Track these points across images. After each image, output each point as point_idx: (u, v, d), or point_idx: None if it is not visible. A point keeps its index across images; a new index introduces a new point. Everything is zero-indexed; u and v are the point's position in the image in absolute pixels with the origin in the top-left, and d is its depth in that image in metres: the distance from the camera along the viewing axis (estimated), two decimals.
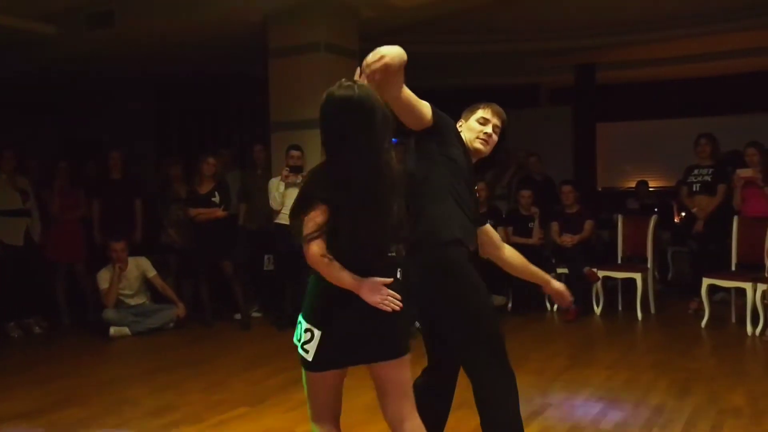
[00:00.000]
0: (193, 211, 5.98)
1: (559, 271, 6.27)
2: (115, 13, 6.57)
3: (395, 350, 2.04)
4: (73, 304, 6.40)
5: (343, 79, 1.99)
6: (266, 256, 6.21)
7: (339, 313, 1.98)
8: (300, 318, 2.04)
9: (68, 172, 6.42)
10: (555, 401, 3.82)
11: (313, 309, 2.01)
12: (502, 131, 2.60)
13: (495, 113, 2.57)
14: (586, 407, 3.73)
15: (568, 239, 6.31)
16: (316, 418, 2.11)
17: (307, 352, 2.00)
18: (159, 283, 5.96)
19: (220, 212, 6.00)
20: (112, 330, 5.65)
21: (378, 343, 2.02)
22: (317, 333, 1.98)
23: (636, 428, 3.36)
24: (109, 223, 6.25)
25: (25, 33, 6.73)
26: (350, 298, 1.96)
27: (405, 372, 2.08)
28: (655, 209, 7.75)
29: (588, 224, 6.42)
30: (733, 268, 5.61)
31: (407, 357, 2.07)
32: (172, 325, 5.94)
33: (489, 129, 2.55)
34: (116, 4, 6.46)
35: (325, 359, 2.00)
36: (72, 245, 6.29)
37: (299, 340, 2.03)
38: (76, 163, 7.14)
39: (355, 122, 1.92)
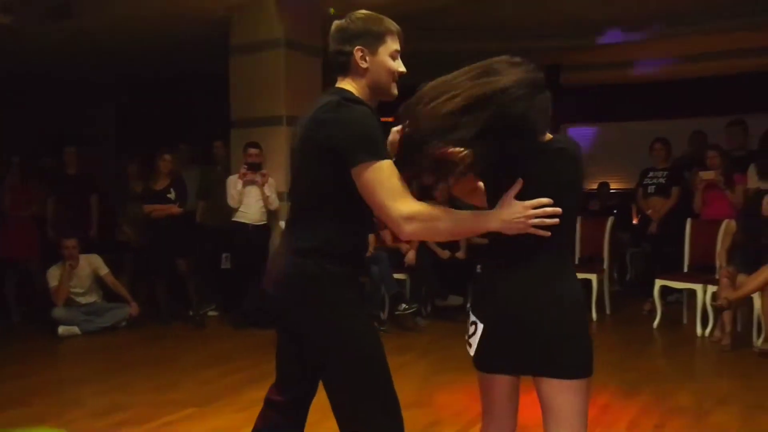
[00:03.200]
0: (148, 208, 5.89)
1: None
2: (73, 6, 6.43)
3: (557, 368, 1.74)
4: (27, 302, 6.25)
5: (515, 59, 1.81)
6: (224, 254, 6.14)
7: (494, 306, 1.78)
8: (472, 317, 1.85)
9: (21, 168, 6.27)
10: None
11: (475, 297, 1.91)
12: None
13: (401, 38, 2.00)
14: (533, 408, 3.74)
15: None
16: (483, 421, 1.93)
17: (470, 346, 1.82)
18: (111, 281, 5.85)
19: (175, 209, 5.92)
20: (61, 329, 5.53)
21: (540, 354, 1.74)
22: (480, 327, 1.79)
23: None
24: (63, 220, 6.12)
25: None
26: (497, 286, 1.78)
27: (568, 398, 1.77)
28: (614, 210, 7.84)
29: None
30: (686, 270, 5.70)
31: (577, 382, 1.76)
32: (124, 324, 5.83)
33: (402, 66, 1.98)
34: None
35: (488, 358, 1.80)
36: (25, 242, 6.15)
37: (469, 336, 1.83)
38: (32, 158, 6.98)
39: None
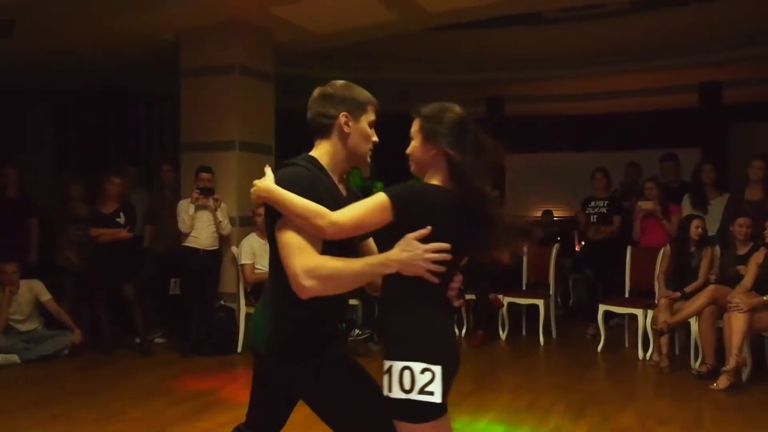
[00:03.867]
0: (96, 231, 5.72)
1: (467, 297, 6.44)
2: (16, 23, 6.26)
3: None
4: None
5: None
6: (172, 280, 6.02)
7: (448, 342, 1.87)
8: (403, 363, 1.76)
9: None
10: (458, 425, 3.89)
11: (426, 343, 1.79)
12: None
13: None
14: (487, 430, 3.82)
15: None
16: None
17: (432, 394, 1.74)
18: (53, 307, 5.64)
19: (125, 233, 5.78)
20: (0, 357, 5.28)
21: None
22: (437, 369, 1.75)
23: None
24: (1, 243, 5.87)
25: None
26: (448, 323, 1.91)
27: None
28: (558, 238, 8.10)
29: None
30: (627, 295, 5.94)
31: None
32: (66, 352, 5.62)
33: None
34: (18, 13, 6.15)
35: (445, 398, 1.78)
36: None
37: (410, 389, 1.74)
38: None
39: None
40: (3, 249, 5.78)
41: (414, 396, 1.73)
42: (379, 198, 1.81)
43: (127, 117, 8.92)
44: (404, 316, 1.82)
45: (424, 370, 1.74)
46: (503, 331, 6.42)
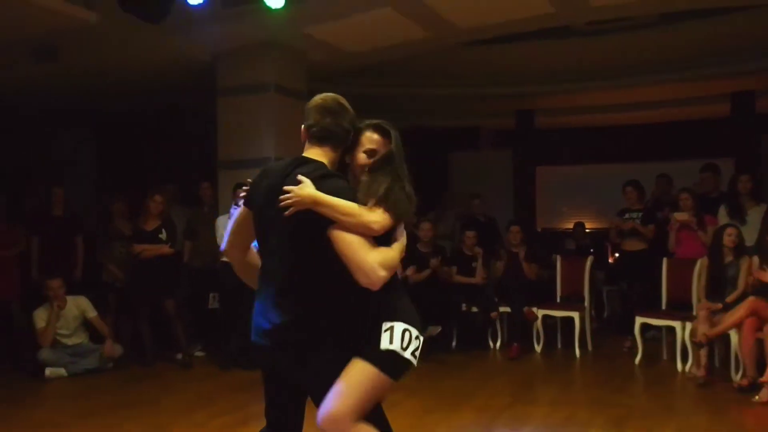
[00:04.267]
0: (139, 248, 5.88)
1: (502, 309, 6.46)
2: (60, 49, 6.51)
3: None
4: (8, 343, 6.14)
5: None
6: (211, 294, 6.15)
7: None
8: (405, 326, 2.07)
9: (5, 207, 6.23)
10: None
11: (412, 313, 2.13)
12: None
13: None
14: None
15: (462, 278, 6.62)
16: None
17: (416, 358, 2.08)
18: (99, 323, 5.80)
19: (167, 249, 5.93)
20: (48, 371, 5.45)
21: None
22: (420, 337, 2.10)
23: None
24: (48, 261, 6.08)
25: None
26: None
27: None
28: (591, 250, 8.07)
29: (532, 267, 6.63)
30: (664, 308, 5.90)
31: None
32: (110, 365, 5.78)
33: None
34: (62, 40, 6.39)
35: None
36: (7, 283, 6.07)
37: (405, 348, 2.05)
38: (14, 196, 6.93)
39: None
40: (49, 266, 5.98)
41: (406, 354, 2.05)
42: None
43: (166, 136, 9.15)
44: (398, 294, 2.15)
45: (417, 337, 2.09)
46: (538, 344, 6.42)
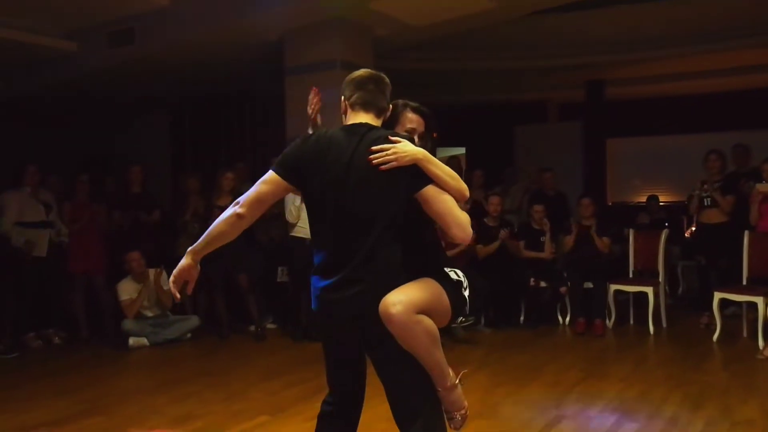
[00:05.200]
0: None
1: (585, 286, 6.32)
2: (136, 31, 6.74)
3: None
4: (92, 316, 6.50)
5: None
6: (280, 268, 6.30)
7: None
8: (460, 274, 2.26)
9: (88, 186, 6.54)
10: (569, 413, 3.88)
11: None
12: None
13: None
14: (600, 419, 3.79)
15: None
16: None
17: (467, 302, 2.26)
18: (166, 296, 5.99)
19: None
20: (131, 341, 5.75)
21: None
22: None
23: None
24: (128, 235, 6.37)
25: (47, 50, 6.91)
26: None
27: None
28: (666, 224, 7.80)
29: (605, 240, 6.45)
30: (744, 283, 5.66)
31: None
32: (189, 336, 6.04)
33: None
34: (136, 22, 6.62)
35: None
36: (91, 258, 6.39)
37: (465, 286, 2.25)
38: (96, 177, 7.26)
39: None
40: (128, 241, 6.27)
41: (465, 293, 2.23)
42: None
43: (236, 116, 9.37)
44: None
45: (466, 288, 2.26)
46: (609, 320, 6.29)
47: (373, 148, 2.03)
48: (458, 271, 2.26)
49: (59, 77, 7.56)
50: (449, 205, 2.04)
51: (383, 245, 2.06)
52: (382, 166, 2.00)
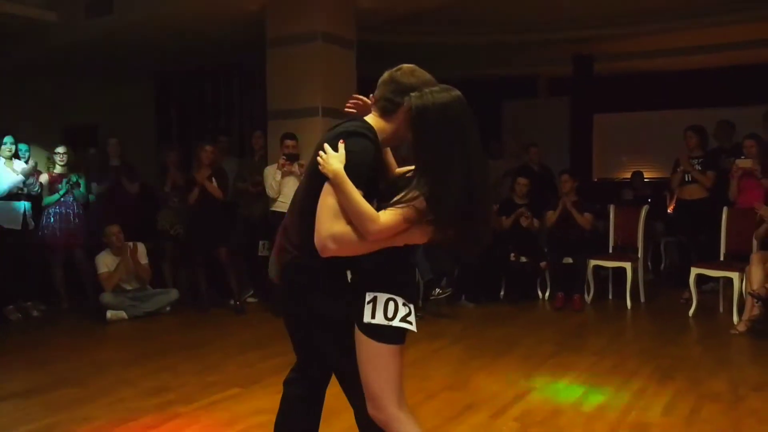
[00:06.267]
0: (191, 196, 6.03)
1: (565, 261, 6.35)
2: (114, 2, 6.64)
3: None
4: (72, 289, 6.49)
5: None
6: (261, 242, 6.29)
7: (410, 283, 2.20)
8: (387, 295, 2.02)
9: (66, 158, 6.47)
10: (539, 385, 3.92)
11: (403, 283, 2.09)
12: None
13: None
14: (568, 391, 3.82)
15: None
16: (398, 402, 2.06)
17: (411, 324, 2.04)
18: (144, 270, 6.04)
19: (218, 191, 6.04)
20: (109, 314, 5.75)
21: None
22: (410, 306, 2.06)
23: (616, 411, 3.45)
24: (107, 208, 6.34)
25: (25, 20, 6.81)
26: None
27: None
28: (649, 200, 7.81)
29: (586, 216, 6.45)
30: (722, 258, 5.68)
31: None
32: (168, 309, 6.04)
33: None
34: None
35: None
36: (71, 230, 6.36)
37: (392, 317, 2.01)
38: (79, 149, 7.21)
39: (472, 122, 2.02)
40: (108, 214, 6.24)
41: (395, 323, 2.01)
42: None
43: (220, 90, 9.28)
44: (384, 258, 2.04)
45: (405, 304, 2.04)
46: (588, 295, 6.32)
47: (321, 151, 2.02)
48: (384, 295, 2.03)
49: (39, 47, 7.46)
50: (322, 208, 1.96)
51: (300, 228, 2.10)
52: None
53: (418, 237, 2.00)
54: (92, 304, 6.09)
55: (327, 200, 1.97)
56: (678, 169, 6.26)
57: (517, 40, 8.69)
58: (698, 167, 6.07)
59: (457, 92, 1.99)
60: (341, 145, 2.00)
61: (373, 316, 2.01)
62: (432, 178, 1.92)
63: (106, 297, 5.77)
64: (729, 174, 5.89)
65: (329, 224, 1.95)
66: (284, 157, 5.83)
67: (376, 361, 2.03)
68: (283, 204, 5.93)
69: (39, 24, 6.91)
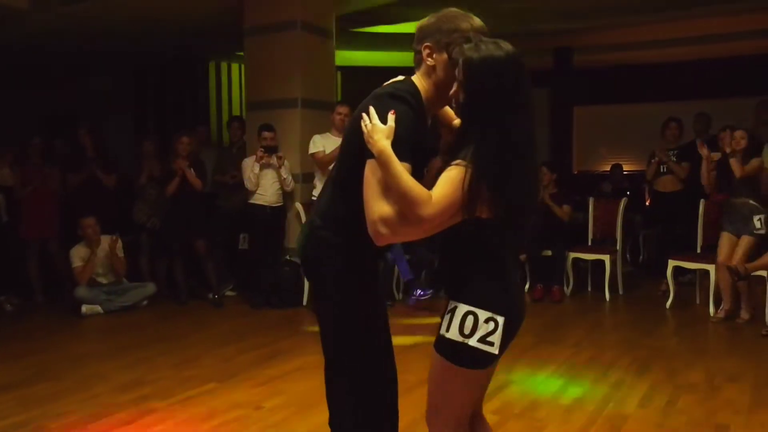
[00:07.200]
0: (170, 187, 5.93)
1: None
2: None
3: None
4: (47, 281, 6.38)
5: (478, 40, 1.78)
6: (241, 235, 6.23)
7: (515, 294, 1.80)
8: (467, 308, 1.71)
9: (41, 148, 6.36)
10: (518, 377, 3.92)
11: (491, 291, 1.74)
12: None
13: None
14: (547, 383, 3.83)
15: None
16: (460, 427, 1.83)
17: (492, 344, 1.69)
18: (119, 262, 5.94)
19: (197, 181, 5.95)
20: (84, 308, 5.66)
21: None
22: (500, 320, 1.70)
23: (594, 403, 3.47)
24: (82, 200, 6.22)
25: None
26: (514, 274, 1.80)
27: None
28: (627, 192, 7.86)
29: (564, 208, 6.46)
30: (698, 251, 5.73)
31: None
32: (145, 303, 5.96)
33: None
34: None
35: (502, 350, 1.74)
36: (45, 222, 6.25)
37: (469, 335, 1.69)
38: (51, 139, 7.06)
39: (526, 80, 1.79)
40: (84, 205, 6.12)
41: (472, 342, 1.69)
42: None
43: (200, 79, 9.16)
44: (478, 264, 1.76)
45: (488, 320, 1.69)
46: (568, 287, 6.35)
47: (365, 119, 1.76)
48: (464, 307, 1.73)
49: (11, 36, 7.28)
50: (368, 188, 1.70)
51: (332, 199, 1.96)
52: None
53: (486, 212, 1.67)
54: (68, 298, 5.99)
55: (373, 180, 1.69)
56: (653, 160, 6.30)
57: (497, 31, 8.63)
58: (673, 159, 6.11)
59: (511, 46, 1.76)
60: (391, 117, 1.72)
61: (447, 329, 1.72)
62: (486, 144, 1.67)
63: (81, 291, 5.67)
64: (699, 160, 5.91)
65: (378, 206, 1.66)
66: (262, 149, 5.76)
67: (440, 381, 1.77)
68: (261, 196, 5.88)
69: (10, 12, 6.73)
